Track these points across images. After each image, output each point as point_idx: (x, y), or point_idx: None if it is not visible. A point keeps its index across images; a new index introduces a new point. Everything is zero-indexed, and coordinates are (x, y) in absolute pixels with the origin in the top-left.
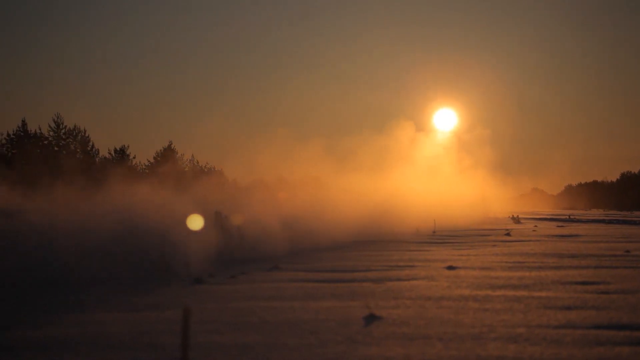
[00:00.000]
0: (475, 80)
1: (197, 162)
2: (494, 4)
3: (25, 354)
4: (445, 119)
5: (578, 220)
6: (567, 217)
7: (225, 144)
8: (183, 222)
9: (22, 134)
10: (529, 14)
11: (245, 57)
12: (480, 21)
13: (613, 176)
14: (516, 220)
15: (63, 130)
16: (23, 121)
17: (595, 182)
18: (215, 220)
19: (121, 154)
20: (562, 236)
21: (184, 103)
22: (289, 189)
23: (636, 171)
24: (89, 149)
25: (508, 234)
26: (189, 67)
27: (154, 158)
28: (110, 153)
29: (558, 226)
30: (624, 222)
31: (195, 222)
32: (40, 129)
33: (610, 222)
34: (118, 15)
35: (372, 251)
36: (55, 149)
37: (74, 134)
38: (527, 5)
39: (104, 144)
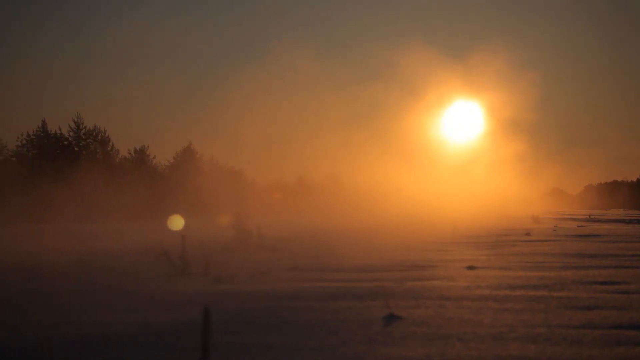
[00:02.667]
0: (493, 78)
1: (217, 162)
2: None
3: (46, 354)
4: (469, 116)
5: (598, 220)
6: (587, 217)
7: (245, 144)
8: (201, 222)
9: (42, 134)
10: (549, 14)
11: (263, 57)
12: (499, 22)
13: (633, 176)
14: (536, 219)
15: (83, 131)
16: (43, 122)
17: (615, 182)
18: (235, 220)
19: (141, 154)
20: (583, 236)
21: (204, 103)
22: (312, 189)
23: None
24: (109, 149)
25: (528, 234)
26: (210, 67)
27: (174, 158)
28: (130, 153)
29: (578, 226)
30: None
31: (176, 223)
32: (60, 130)
33: (630, 222)
34: (138, 15)
35: (391, 251)
36: (76, 149)
37: (94, 134)
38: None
39: (124, 144)
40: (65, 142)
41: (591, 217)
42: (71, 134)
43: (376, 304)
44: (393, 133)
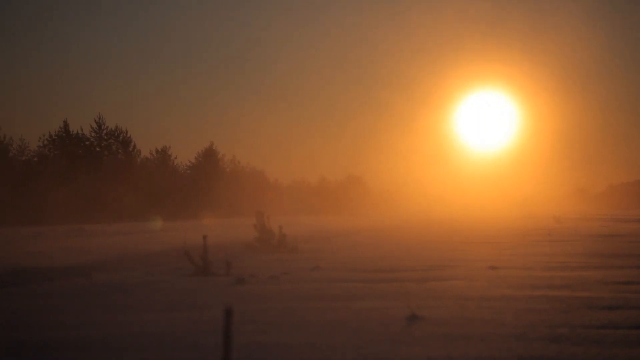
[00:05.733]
0: (513, 72)
1: (239, 162)
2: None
3: (67, 354)
4: (494, 113)
5: (621, 220)
6: (610, 216)
7: (266, 144)
8: (223, 222)
9: (64, 134)
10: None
11: (283, 58)
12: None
13: None
14: (558, 219)
15: (105, 131)
16: (65, 122)
17: (638, 182)
18: (257, 219)
19: (163, 154)
20: (605, 236)
21: (225, 104)
22: (333, 189)
23: None
24: (130, 149)
25: (550, 234)
26: (231, 67)
27: (195, 159)
28: (152, 153)
29: (601, 226)
30: None
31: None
32: (82, 130)
33: None
34: (159, 15)
35: (413, 251)
36: (97, 149)
37: (116, 134)
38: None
39: (145, 145)
40: (87, 143)
41: (613, 217)
42: (93, 134)
43: (398, 304)
44: (414, 132)
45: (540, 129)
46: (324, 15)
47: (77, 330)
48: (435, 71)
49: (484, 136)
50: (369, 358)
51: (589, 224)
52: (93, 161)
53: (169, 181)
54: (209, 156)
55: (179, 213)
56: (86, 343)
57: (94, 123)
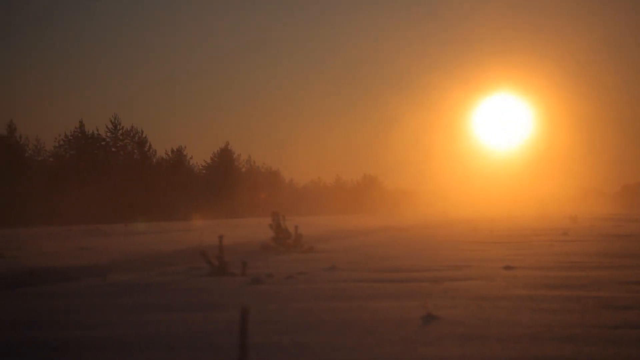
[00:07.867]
0: (529, 73)
1: (254, 163)
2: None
3: (83, 353)
4: (510, 113)
5: (636, 220)
6: (625, 216)
7: (282, 144)
8: (239, 221)
9: (79, 135)
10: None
11: (300, 57)
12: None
13: None
14: (574, 219)
15: (120, 131)
16: (81, 122)
17: None
18: (273, 220)
19: (178, 154)
20: (620, 236)
21: (241, 104)
22: (349, 189)
23: None
24: (146, 149)
25: (565, 234)
26: (246, 67)
27: (211, 159)
28: (167, 153)
29: (615, 226)
30: None
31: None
32: (97, 130)
33: None
34: (172, 16)
35: (428, 251)
36: (113, 149)
37: (131, 134)
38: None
39: (161, 145)
40: (103, 143)
41: (629, 217)
42: (108, 134)
43: (413, 304)
44: (430, 133)
45: (556, 129)
46: (341, 15)
47: (92, 330)
48: (453, 73)
49: (500, 137)
50: (385, 358)
51: (605, 224)
52: (109, 161)
53: (185, 181)
54: (225, 156)
55: (194, 213)
56: (102, 343)
57: (109, 123)
